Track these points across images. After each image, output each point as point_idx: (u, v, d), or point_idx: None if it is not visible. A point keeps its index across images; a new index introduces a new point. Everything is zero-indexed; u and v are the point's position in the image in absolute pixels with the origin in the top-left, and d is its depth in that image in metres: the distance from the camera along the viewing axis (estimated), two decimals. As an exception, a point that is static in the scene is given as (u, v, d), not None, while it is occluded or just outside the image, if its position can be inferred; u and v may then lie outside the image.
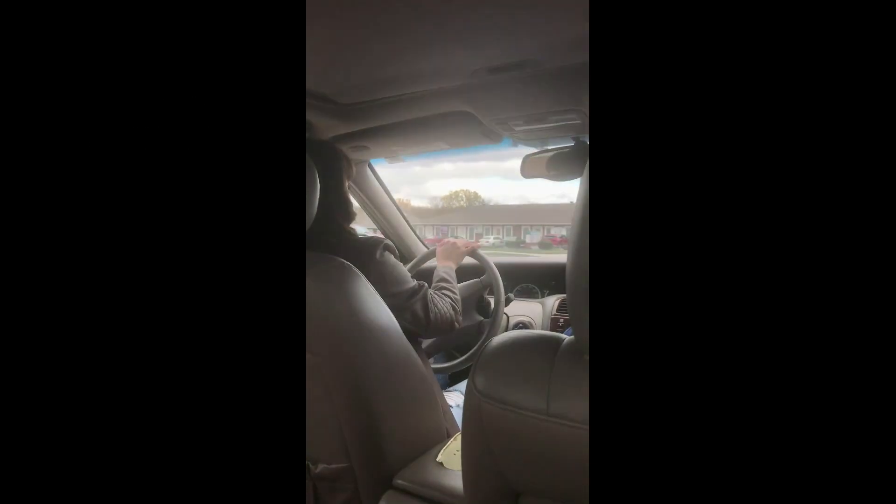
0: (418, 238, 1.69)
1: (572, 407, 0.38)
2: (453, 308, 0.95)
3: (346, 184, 0.94)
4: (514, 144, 1.18)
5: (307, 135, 1.08)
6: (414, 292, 0.88)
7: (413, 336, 0.90)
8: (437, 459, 0.80)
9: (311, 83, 0.87)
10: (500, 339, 0.46)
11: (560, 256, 1.67)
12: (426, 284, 0.93)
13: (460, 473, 0.75)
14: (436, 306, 0.92)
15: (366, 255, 0.85)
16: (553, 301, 1.44)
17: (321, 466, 0.78)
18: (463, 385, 1.15)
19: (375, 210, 1.55)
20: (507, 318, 1.43)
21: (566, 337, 0.44)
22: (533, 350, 0.42)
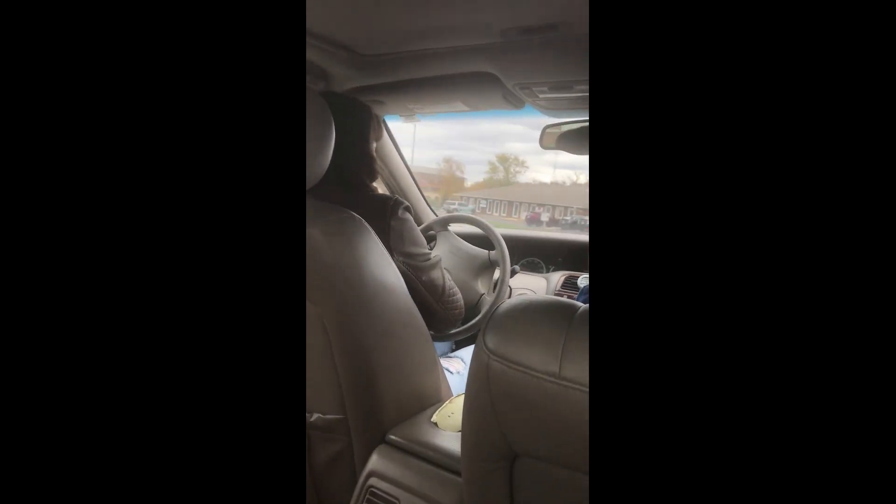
0: (428, 206, 1.67)
1: (585, 372, 0.37)
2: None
3: (374, 144, 0.93)
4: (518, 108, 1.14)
5: (325, 86, 1.05)
6: (429, 257, 0.90)
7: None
8: (432, 420, 0.80)
9: (332, 31, 0.84)
10: (513, 301, 0.45)
11: (567, 234, 1.66)
12: (440, 258, 0.94)
13: (452, 434, 0.77)
14: (451, 281, 0.93)
15: (388, 210, 0.86)
16: (558, 277, 1.43)
17: (316, 416, 0.79)
18: (463, 352, 1.15)
19: (388, 172, 1.53)
20: (511, 290, 1.42)
21: (582, 305, 0.43)
22: (548, 314, 0.42)
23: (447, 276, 0.94)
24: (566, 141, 1.02)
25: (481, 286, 1.23)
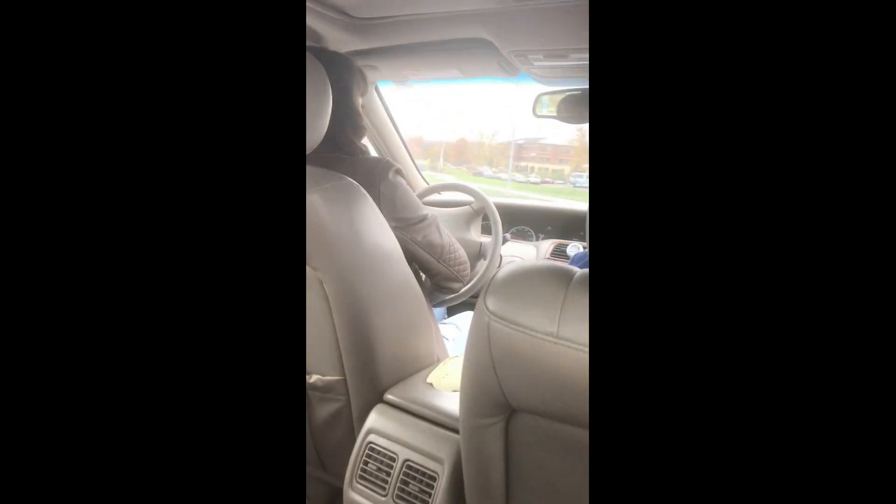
0: (419, 173, 1.67)
1: (581, 332, 0.40)
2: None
3: (359, 99, 0.91)
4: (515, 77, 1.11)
5: (318, 46, 1.03)
6: (424, 218, 0.87)
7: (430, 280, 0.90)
8: (427, 380, 0.84)
9: None
10: (513, 266, 0.47)
11: (556, 203, 1.68)
12: (437, 216, 0.92)
13: (448, 394, 0.80)
14: (450, 238, 0.91)
15: (377, 175, 0.83)
16: (548, 245, 1.46)
17: (315, 377, 0.82)
18: (456, 318, 1.18)
19: (378, 136, 1.52)
20: (501, 258, 1.45)
21: (578, 269, 0.45)
22: (547, 278, 0.44)
23: (445, 233, 0.91)
24: (565, 108, 1.02)
25: (475, 235, 1.22)
